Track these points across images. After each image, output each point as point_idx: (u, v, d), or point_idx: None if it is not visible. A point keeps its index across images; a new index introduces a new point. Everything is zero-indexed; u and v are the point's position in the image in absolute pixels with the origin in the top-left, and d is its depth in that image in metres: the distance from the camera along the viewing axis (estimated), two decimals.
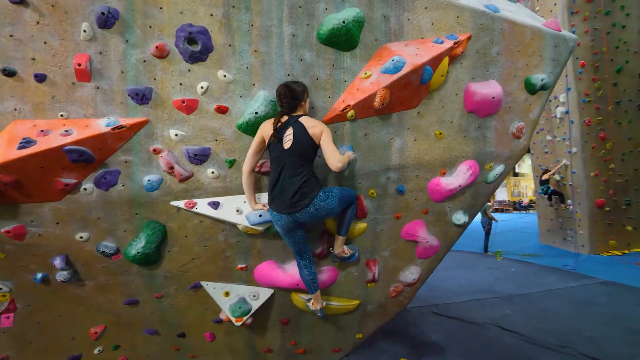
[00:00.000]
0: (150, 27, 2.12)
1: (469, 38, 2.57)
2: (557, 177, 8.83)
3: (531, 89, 2.78)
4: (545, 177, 8.76)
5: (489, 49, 2.66)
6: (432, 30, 2.54)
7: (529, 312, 4.57)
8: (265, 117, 2.24)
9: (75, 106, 2.09)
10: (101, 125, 2.07)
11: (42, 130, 1.98)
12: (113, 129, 2.06)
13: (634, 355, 3.42)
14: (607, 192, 8.26)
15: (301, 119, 2.19)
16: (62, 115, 2.08)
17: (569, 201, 8.65)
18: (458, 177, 2.68)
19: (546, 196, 8.97)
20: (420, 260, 2.94)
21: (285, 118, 2.22)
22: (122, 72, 2.12)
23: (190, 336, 2.87)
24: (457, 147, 2.69)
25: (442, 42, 2.48)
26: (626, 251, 8.24)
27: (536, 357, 3.40)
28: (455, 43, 2.49)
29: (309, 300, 2.66)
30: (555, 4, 8.51)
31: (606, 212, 8.24)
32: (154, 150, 2.19)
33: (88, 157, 2.03)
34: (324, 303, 2.66)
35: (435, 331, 4.05)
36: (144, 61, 2.14)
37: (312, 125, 2.17)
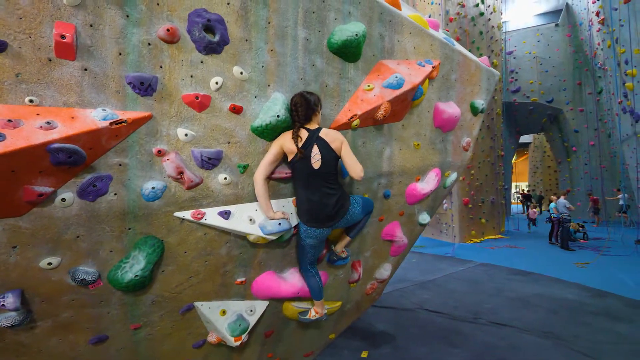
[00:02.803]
0: (158, 4, 1.77)
1: (439, 64, 2.97)
2: None
3: (474, 111, 3.39)
4: None
5: (450, 75, 3.13)
6: (414, 53, 2.85)
7: (442, 294, 5.46)
8: (285, 121, 2.13)
9: (51, 90, 1.58)
10: (94, 118, 1.62)
11: (9, 120, 1.44)
12: (111, 123, 1.64)
13: (517, 316, 4.50)
14: (470, 192, 10.41)
15: (322, 134, 2.18)
16: (31, 101, 1.54)
17: (444, 200, 10.52)
18: (429, 183, 3.06)
19: None
20: (392, 257, 3.22)
21: (304, 133, 2.16)
22: (120, 54, 1.70)
23: None
24: (428, 156, 3.07)
25: (423, 65, 2.81)
26: (482, 238, 10.57)
27: (462, 330, 4.14)
28: (433, 67, 2.86)
29: (304, 313, 2.62)
30: None
31: (469, 208, 10.38)
32: (159, 151, 1.82)
33: (78, 159, 1.56)
34: (327, 307, 2.66)
35: (379, 322, 4.44)
36: (149, 44, 1.77)
37: (333, 140, 2.19)
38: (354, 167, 2.15)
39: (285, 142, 2.13)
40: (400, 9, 2.88)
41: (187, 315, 2.27)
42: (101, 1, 1.64)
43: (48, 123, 1.51)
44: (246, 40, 2.03)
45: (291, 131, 2.15)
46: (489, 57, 10.88)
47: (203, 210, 2.00)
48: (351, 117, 2.42)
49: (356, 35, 2.34)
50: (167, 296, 2.10)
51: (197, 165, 1.95)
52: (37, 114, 1.53)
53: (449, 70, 3.11)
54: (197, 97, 1.89)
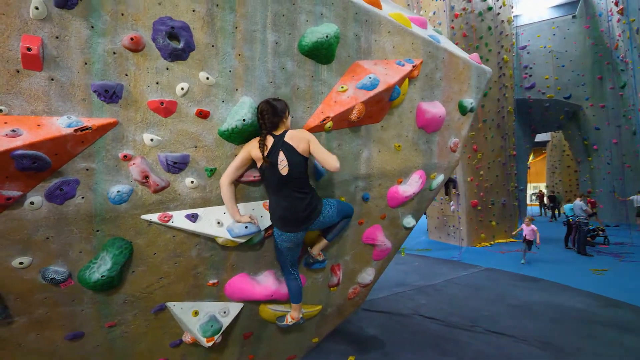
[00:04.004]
0: (122, 14, 1.84)
1: (421, 63, 2.95)
2: None
3: (463, 110, 3.33)
4: None
5: (434, 74, 3.09)
6: (393, 52, 2.83)
7: (440, 300, 5.36)
8: (252, 125, 2.16)
9: (19, 100, 1.67)
10: (59, 125, 1.70)
11: None
12: (76, 130, 1.72)
13: (517, 325, 4.37)
14: (479, 194, 10.18)
15: (287, 139, 2.18)
16: (0, 110, 1.63)
17: (451, 202, 10.34)
18: (412, 186, 3.03)
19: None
20: (375, 261, 3.21)
21: (270, 140, 2.18)
22: (86, 64, 1.78)
23: None
24: (411, 158, 3.04)
25: (403, 65, 2.79)
26: (492, 242, 10.30)
27: (457, 337, 4.04)
28: (413, 66, 2.83)
29: (281, 318, 2.65)
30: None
31: (478, 210, 10.14)
32: (125, 156, 1.90)
33: (42, 165, 1.65)
34: (303, 311, 2.68)
35: (370, 326, 4.40)
36: (114, 53, 1.84)
37: (298, 142, 2.18)
38: (327, 160, 2.12)
39: (252, 150, 2.16)
40: (380, 8, 2.87)
41: (161, 315, 2.33)
42: (66, 14, 1.72)
43: (13, 131, 1.59)
44: (213, 46, 2.08)
45: (258, 138, 2.18)
46: (498, 53, 10.67)
47: (170, 213, 2.06)
48: (324, 120, 2.43)
49: (327, 36, 2.35)
50: (138, 296, 2.17)
51: (163, 169, 2.01)
52: (5, 123, 1.62)
53: (433, 69, 3.07)
54: (162, 103, 1.95)
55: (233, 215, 2.16)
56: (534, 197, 23.37)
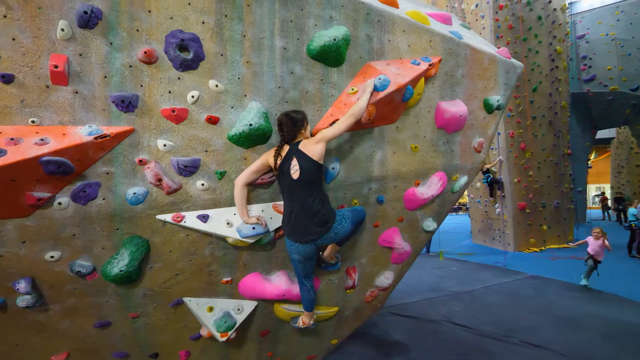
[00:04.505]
0: (137, 30, 2.00)
1: (439, 61, 2.83)
2: (494, 169, 9.71)
3: (489, 108, 3.15)
4: (484, 168, 9.64)
5: (455, 71, 2.96)
6: (408, 51, 2.76)
7: (475, 307, 5.08)
8: (259, 129, 2.23)
9: (49, 112, 1.88)
10: (81, 133, 1.89)
11: (11, 139, 1.75)
12: (95, 138, 1.90)
13: (560, 338, 4.01)
14: (527, 196, 9.49)
15: (300, 147, 2.24)
16: (33, 122, 1.86)
17: (496, 205, 9.74)
18: (430, 188, 2.92)
19: (487, 184, 9.80)
20: (394, 265, 3.14)
21: (286, 150, 2.26)
22: (105, 77, 1.96)
23: (164, 356, 2.70)
24: (429, 159, 2.94)
25: (418, 64, 2.70)
26: (543, 248, 9.54)
27: (488, 348, 3.81)
28: (429, 65, 2.74)
29: (294, 319, 2.69)
30: (484, 28, 9.60)
31: (527, 213, 9.45)
32: (140, 161, 2.05)
33: (67, 169, 1.84)
34: (314, 316, 2.70)
35: (396, 331, 4.30)
36: (130, 66, 2.00)
37: (311, 148, 2.22)
38: (349, 119, 2.26)
39: (269, 157, 2.25)
40: (397, 6, 2.81)
41: (179, 309, 2.49)
42: (88, 33, 1.91)
43: (42, 140, 1.80)
44: (221, 55, 2.18)
45: (275, 148, 2.27)
46: (550, 44, 9.89)
47: (183, 213, 2.20)
48: (333, 122, 2.44)
49: (334, 39, 2.36)
50: (156, 290, 2.33)
51: (175, 173, 2.14)
52: (36, 132, 1.84)
53: (453, 66, 2.94)
54: (173, 111, 2.09)
55: (242, 216, 2.25)
56: (597, 199, 21.19)
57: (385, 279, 3.11)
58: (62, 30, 1.84)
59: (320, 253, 2.67)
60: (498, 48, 3.37)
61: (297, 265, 2.43)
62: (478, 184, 10.37)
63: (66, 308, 2.20)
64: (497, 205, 9.64)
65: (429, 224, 3.10)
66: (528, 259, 8.42)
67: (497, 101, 3.15)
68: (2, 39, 1.77)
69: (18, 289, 1.98)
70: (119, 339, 2.48)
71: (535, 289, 5.90)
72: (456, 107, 2.91)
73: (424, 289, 6.07)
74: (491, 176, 9.64)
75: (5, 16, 1.76)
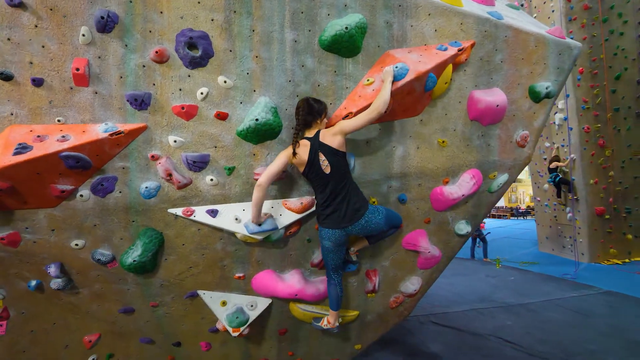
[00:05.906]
0: (150, 31, 2.09)
1: (472, 45, 2.54)
2: (565, 169, 8.62)
3: (535, 97, 2.75)
4: (552, 165, 8.58)
5: (492, 56, 2.63)
6: (435, 37, 2.51)
7: (530, 323, 4.52)
8: (266, 124, 2.20)
9: (72, 111, 2.05)
10: (98, 131, 2.02)
11: (38, 136, 1.94)
12: (110, 134, 2.02)
13: None
14: (607, 199, 8.24)
15: (321, 139, 2.19)
16: (59, 121, 2.03)
17: (567, 209, 8.62)
18: (461, 187, 2.64)
19: (553, 184, 8.74)
20: (421, 270, 2.89)
21: (305, 143, 2.21)
22: (121, 77, 2.08)
23: (186, 345, 2.81)
24: (461, 155, 2.65)
25: (445, 49, 2.45)
26: (627, 260, 8.21)
27: None
28: (459, 50, 2.47)
29: (317, 319, 2.62)
30: (553, 11, 8.55)
31: (606, 220, 8.22)
32: (152, 156, 2.14)
33: (85, 164, 1.98)
34: (339, 318, 2.59)
35: (434, 341, 3.99)
36: (143, 66, 2.10)
37: (332, 139, 2.19)
38: (372, 113, 2.14)
39: (290, 156, 2.22)
40: None
41: (196, 302, 2.55)
42: (106, 37, 2.04)
43: (63, 137, 1.96)
44: (230, 51, 2.19)
45: (291, 145, 2.23)
46: (638, 23, 8.47)
47: (193, 208, 2.25)
48: (346, 116, 2.31)
49: (346, 28, 2.24)
50: (172, 282, 2.42)
51: (185, 168, 2.20)
52: (61, 130, 2.01)
53: (490, 50, 2.62)
54: (183, 108, 2.14)
55: (255, 218, 2.22)
56: None
57: (411, 284, 2.89)
58: (83, 35, 1.99)
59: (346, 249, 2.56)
60: (570, 33, 2.93)
61: (328, 255, 2.39)
62: (546, 186, 9.28)
63: (93, 293, 2.39)
64: (568, 209, 8.53)
65: (462, 227, 2.81)
66: (605, 272, 7.30)
67: (547, 88, 2.74)
68: (33, 47, 1.97)
69: (49, 272, 2.19)
70: (144, 325, 2.63)
71: (609, 307, 5.07)
72: (493, 97, 2.59)
73: (472, 298, 5.58)
74: (560, 176, 8.55)
75: (36, 26, 1.95)
